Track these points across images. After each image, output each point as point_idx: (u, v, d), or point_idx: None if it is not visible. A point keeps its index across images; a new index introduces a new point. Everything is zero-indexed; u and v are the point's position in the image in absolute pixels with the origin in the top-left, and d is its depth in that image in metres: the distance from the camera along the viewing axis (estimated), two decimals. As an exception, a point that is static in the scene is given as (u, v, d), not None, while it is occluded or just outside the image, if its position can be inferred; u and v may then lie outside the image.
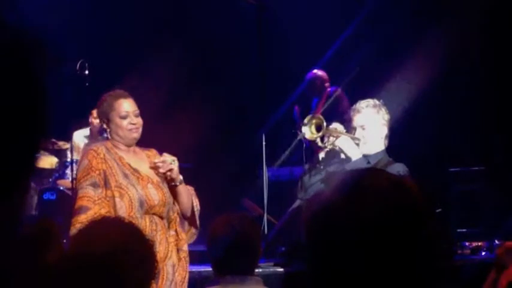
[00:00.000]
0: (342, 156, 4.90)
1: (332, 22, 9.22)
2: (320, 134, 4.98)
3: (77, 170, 4.47)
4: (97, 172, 4.30)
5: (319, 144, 5.00)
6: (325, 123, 5.02)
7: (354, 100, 5.35)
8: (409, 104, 7.82)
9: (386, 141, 4.99)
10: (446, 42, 8.27)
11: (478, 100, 8.87)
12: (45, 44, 1.06)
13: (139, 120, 4.48)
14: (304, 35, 9.38)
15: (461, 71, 8.84)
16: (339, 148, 4.90)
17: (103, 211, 4.19)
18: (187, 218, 4.60)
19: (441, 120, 9.04)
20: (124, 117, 4.43)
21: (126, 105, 4.45)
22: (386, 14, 9.29)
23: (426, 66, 8.23)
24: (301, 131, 5.12)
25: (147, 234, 4.27)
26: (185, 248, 4.56)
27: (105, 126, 4.48)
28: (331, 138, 5.00)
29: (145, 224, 4.31)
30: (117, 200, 4.27)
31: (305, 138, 5.17)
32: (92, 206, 4.20)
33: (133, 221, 4.23)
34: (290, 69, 9.33)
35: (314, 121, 5.08)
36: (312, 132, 5.05)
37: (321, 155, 5.00)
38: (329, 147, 4.96)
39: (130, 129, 4.44)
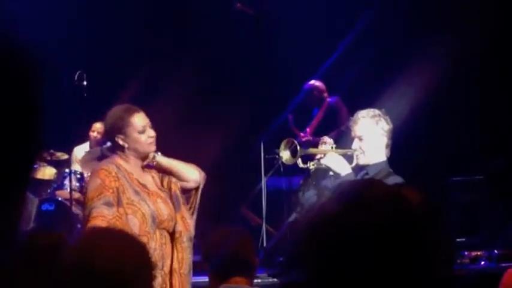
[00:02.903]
0: (331, 173, 4.90)
1: (332, 31, 9.24)
2: (297, 158, 5.00)
3: (87, 188, 4.37)
4: (110, 191, 4.25)
5: (301, 165, 5.01)
6: (299, 147, 5.02)
7: (353, 110, 5.35)
8: (408, 114, 7.82)
9: (388, 151, 4.96)
10: (446, 52, 8.27)
11: (478, 110, 8.88)
12: (39, 55, 1.06)
13: (154, 132, 4.48)
14: (303, 44, 9.40)
15: (461, 80, 8.85)
16: (326, 166, 4.89)
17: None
18: (189, 190, 4.60)
19: (441, 129, 9.04)
20: (142, 132, 4.41)
21: (142, 120, 4.44)
22: (386, 24, 9.30)
23: (426, 76, 8.24)
24: (278, 155, 5.17)
25: (157, 247, 4.33)
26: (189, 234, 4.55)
27: (121, 142, 4.39)
28: (317, 157, 5.00)
29: (157, 238, 4.34)
30: (130, 217, 4.26)
31: (283, 163, 5.19)
32: (107, 225, 4.12)
33: (147, 236, 4.28)
34: (290, 78, 9.35)
35: (289, 145, 5.10)
36: (289, 157, 5.08)
37: (311, 167, 5.00)
38: (312, 167, 4.96)
39: (150, 143, 4.44)
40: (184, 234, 4.47)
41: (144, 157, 4.47)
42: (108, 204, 4.22)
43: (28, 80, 1.06)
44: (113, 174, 4.30)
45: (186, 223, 4.51)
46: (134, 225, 4.25)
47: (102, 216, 4.18)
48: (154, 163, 4.53)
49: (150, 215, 4.32)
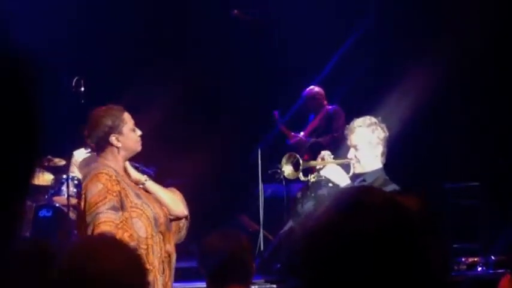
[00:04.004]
0: (330, 184, 4.91)
1: (330, 37, 9.25)
2: (299, 172, 5.02)
3: (87, 194, 4.18)
4: (114, 194, 4.12)
5: (302, 178, 5.03)
6: (301, 161, 5.04)
7: (351, 115, 5.36)
8: (406, 119, 7.83)
9: (383, 159, 4.98)
10: (444, 58, 8.28)
11: (474, 116, 8.89)
12: (37, 62, 1.06)
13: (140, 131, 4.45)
14: (301, 50, 9.40)
15: (459, 86, 8.86)
16: (325, 178, 4.90)
17: (126, 235, 4.06)
18: (176, 219, 4.52)
19: (437, 136, 9.05)
20: (134, 130, 4.35)
21: (131, 118, 4.37)
22: (384, 30, 9.32)
23: (424, 82, 8.25)
24: (280, 169, 5.18)
25: (159, 250, 4.27)
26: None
27: (115, 142, 4.27)
28: (318, 167, 5.03)
29: (157, 241, 4.29)
30: (135, 220, 4.17)
31: (285, 177, 5.20)
32: (116, 230, 4.02)
33: (152, 240, 4.23)
34: (286, 85, 9.36)
35: (291, 160, 5.12)
36: (291, 171, 5.10)
37: (311, 179, 5.02)
38: (313, 180, 4.98)
39: (139, 142, 4.38)
40: (173, 256, 4.43)
41: (129, 158, 4.40)
42: (114, 208, 4.10)
43: (27, 86, 1.06)
44: (113, 178, 4.18)
45: (173, 245, 4.47)
46: (140, 228, 4.18)
47: (111, 221, 4.05)
48: (141, 187, 4.44)
49: (153, 218, 4.26)
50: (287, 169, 5.10)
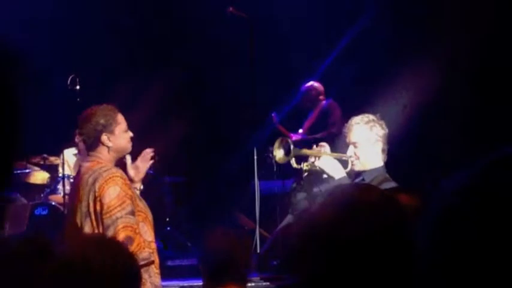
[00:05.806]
0: (325, 176, 4.90)
1: (325, 34, 9.26)
2: (290, 157, 5.00)
3: (106, 197, 4.12)
4: (131, 199, 4.14)
5: (294, 166, 5.01)
6: (292, 146, 5.03)
7: (347, 112, 5.35)
8: (404, 117, 7.84)
9: (384, 156, 4.96)
10: (443, 56, 8.28)
11: (473, 113, 8.89)
12: (21, 61, 1.06)
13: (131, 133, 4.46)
14: (298, 47, 9.41)
15: (457, 83, 8.86)
16: (320, 169, 4.90)
17: (142, 239, 4.10)
18: None
19: (438, 133, 9.05)
20: (126, 131, 4.35)
21: (124, 119, 4.38)
22: (383, 28, 9.32)
23: (422, 78, 8.25)
24: (272, 154, 5.16)
25: (153, 254, 4.28)
26: None
27: (106, 141, 4.26)
28: (311, 159, 5.01)
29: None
30: (141, 224, 4.19)
31: (276, 161, 5.19)
32: (134, 235, 4.04)
33: (154, 241, 4.27)
34: (282, 82, 9.36)
35: (283, 144, 5.11)
36: (282, 156, 5.08)
37: (304, 167, 5.01)
38: (306, 168, 4.96)
39: (130, 143, 4.38)
40: None
41: (118, 159, 4.39)
42: (132, 213, 4.10)
43: (14, 84, 1.06)
44: (127, 181, 4.20)
45: None
46: (145, 232, 4.19)
47: (130, 226, 4.05)
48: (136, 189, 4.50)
49: (152, 220, 4.31)
50: (278, 153, 5.09)
